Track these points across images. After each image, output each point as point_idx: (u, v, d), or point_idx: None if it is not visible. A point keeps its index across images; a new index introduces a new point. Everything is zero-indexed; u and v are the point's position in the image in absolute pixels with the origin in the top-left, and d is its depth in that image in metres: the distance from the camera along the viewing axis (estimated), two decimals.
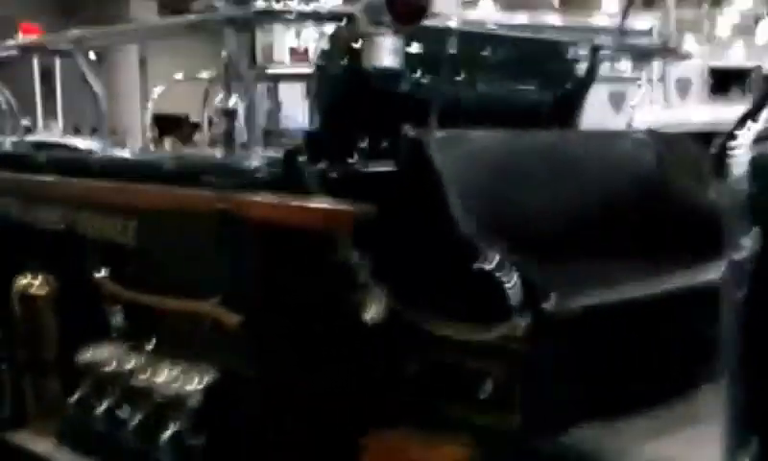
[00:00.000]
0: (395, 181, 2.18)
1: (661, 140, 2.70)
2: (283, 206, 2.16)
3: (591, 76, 2.90)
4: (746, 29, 17.16)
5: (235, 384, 2.40)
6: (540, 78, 2.82)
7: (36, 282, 2.97)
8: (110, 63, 18.47)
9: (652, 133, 2.74)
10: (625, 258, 2.23)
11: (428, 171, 2.11)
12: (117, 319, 2.82)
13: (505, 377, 1.95)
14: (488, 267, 1.97)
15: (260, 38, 12.85)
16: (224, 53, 2.35)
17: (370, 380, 2.15)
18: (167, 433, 2.45)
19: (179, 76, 7.72)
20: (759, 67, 10.13)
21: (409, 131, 2.22)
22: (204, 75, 6.52)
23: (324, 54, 2.43)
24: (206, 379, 2.46)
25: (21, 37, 5.28)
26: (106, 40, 4.12)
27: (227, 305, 2.37)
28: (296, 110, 8.33)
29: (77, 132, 13.05)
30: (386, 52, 2.10)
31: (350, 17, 2.14)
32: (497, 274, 1.95)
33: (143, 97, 15.80)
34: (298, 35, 12.57)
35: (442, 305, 2.04)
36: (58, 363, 2.98)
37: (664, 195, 2.55)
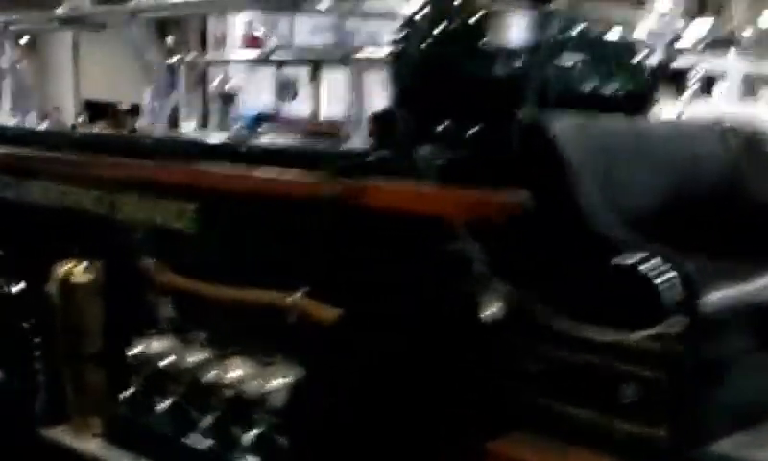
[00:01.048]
0: (510, 169, 2.05)
1: (742, 134, 2.63)
2: (414, 192, 2.00)
3: (667, 66, 2.82)
4: None
5: (329, 382, 2.25)
6: (621, 67, 2.72)
7: (79, 270, 2.76)
8: (43, 45, 17.86)
9: (734, 127, 2.67)
10: (723, 254, 2.15)
11: (554, 159, 2.00)
12: (174, 310, 2.64)
13: (654, 382, 1.85)
14: (632, 262, 1.87)
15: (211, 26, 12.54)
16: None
17: (488, 382, 2.03)
18: (251, 433, 2.30)
19: None
20: None
21: (527, 115, 2.11)
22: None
23: (414, 34, 2.29)
24: (293, 376, 2.31)
25: None
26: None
27: (318, 298, 2.22)
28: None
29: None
30: (512, 30, 1.97)
31: None
32: (647, 270, 1.84)
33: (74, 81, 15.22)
34: (250, 23, 12.30)
35: (574, 303, 1.93)
36: (103, 356, 2.78)
37: (743, 190, 2.48)
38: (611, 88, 2.62)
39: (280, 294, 2.28)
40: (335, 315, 2.18)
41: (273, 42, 11.32)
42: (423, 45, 2.23)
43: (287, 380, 2.31)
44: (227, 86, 4.89)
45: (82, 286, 2.76)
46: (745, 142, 2.58)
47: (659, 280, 1.82)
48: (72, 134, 3.14)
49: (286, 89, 5.38)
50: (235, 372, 2.40)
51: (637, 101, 2.71)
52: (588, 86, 2.51)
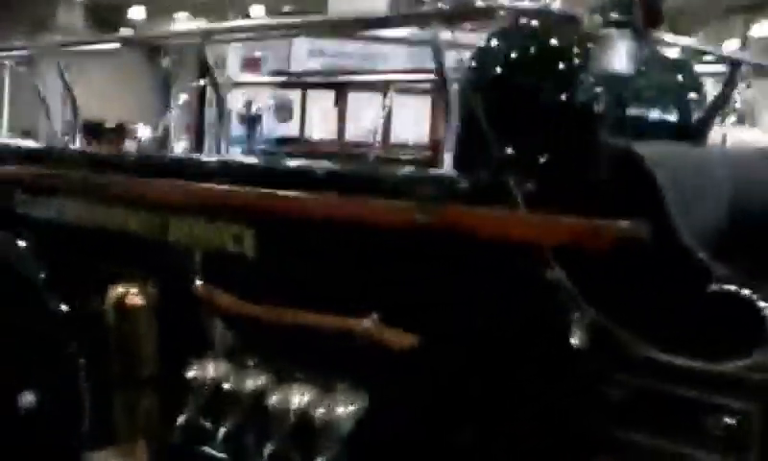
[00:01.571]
0: (599, 196, 2.03)
1: None
2: (518, 220, 1.97)
3: (729, 92, 2.81)
4: None
5: (402, 410, 2.21)
6: (682, 94, 2.72)
7: (134, 292, 2.71)
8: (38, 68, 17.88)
9: None
10: None
11: (649, 186, 1.98)
12: (232, 334, 2.60)
13: (746, 414, 1.81)
14: (734, 289, 1.84)
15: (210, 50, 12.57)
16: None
17: (574, 412, 2.00)
18: None
19: None
20: None
21: (615, 143, 2.09)
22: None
23: (493, 59, 2.27)
24: (361, 403, 2.26)
25: None
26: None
27: (392, 323, 2.19)
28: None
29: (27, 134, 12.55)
30: (617, 56, 1.96)
31: (571, 18, 2.00)
32: (751, 296, 1.81)
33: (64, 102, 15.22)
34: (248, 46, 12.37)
35: (664, 331, 1.90)
36: (157, 380, 2.73)
37: None
38: (675, 115, 2.62)
39: (351, 319, 2.25)
40: (412, 341, 2.14)
41: (270, 66, 11.37)
42: (503, 70, 2.22)
43: (356, 407, 2.26)
44: (253, 109, 4.87)
45: (137, 308, 2.70)
46: None
47: (764, 306, 1.79)
48: (125, 157, 3.10)
49: (283, 111, 5.37)
50: (300, 397, 2.35)
51: (699, 128, 2.71)
52: (656, 113, 2.50)
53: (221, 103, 3.11)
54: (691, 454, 1.87)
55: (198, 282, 2.63)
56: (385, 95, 4.61)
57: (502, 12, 2.09)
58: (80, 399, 2.84)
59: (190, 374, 2.57)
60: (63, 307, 2.94)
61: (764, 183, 2.47)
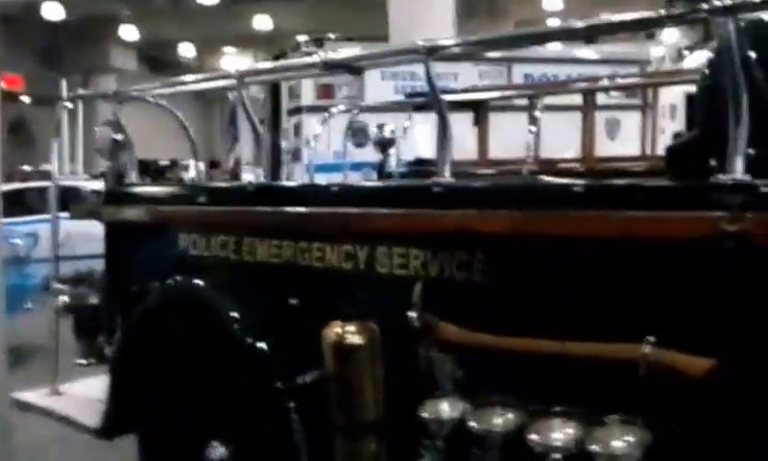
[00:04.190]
0: None
1: None
2: None
3: None
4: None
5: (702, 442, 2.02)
6: None
7: (353, 330, 2.55)
8: (92, 109, 18.16)
9: None
10: None
11: None
12: (465, 369, 2.43)
13: None
14: None
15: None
16: None
17: None
18: None
19: None
20: None
21: None
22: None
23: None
24: (646, 439, 2.07)
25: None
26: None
27: (678, 348, 2.00)
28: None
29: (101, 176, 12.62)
30: None
31: None
32: None
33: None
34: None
35: None
36: (384, 424, 2.56)
37: None
38: None
39: (625, 345, 2.07)
40: (704, 367, 1.95)
41: (344, 92, 11.26)
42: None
43: (634, 441, 2.08)
44: (385, 133, 4.72)
45: (358, 348, 2.54)
46: None
47: None
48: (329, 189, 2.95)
49: (359, 135, 5.23)
50: (566, 433, 2.17)
51: None
52: None
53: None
54: None
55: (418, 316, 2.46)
56: (532, 109, 4.44)
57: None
58: (295, 449, 2.67)
59: (425, 415, 2.39)
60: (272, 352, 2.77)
61: None
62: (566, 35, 2.64)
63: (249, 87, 3.24)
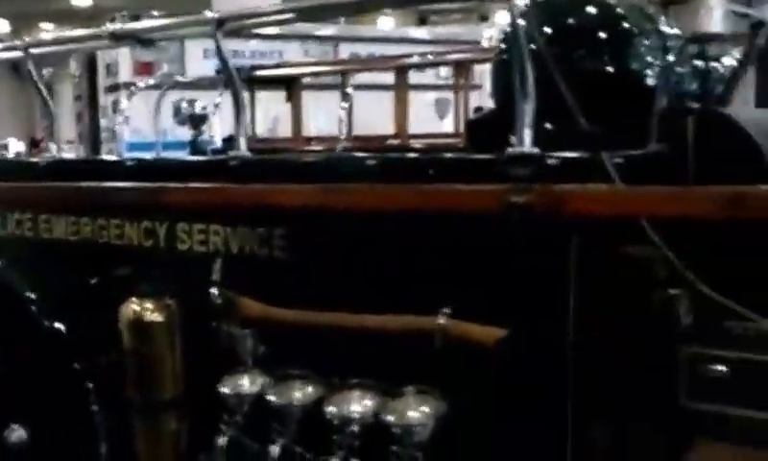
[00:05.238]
0: (687, 164, 1.95)
1: None
2: (635, 196, 1.85)
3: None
4: None
5: (484, 412, 2.08)
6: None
7: (151, 307, 2.49)
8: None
9: None
10: None
11: (749, 151, 1.91)
12: (267, 345, 2.42)
13: None
14: None
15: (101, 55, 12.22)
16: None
17: (679, 393, 1.91)
18: None
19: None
20: None
21: (696, 108, 2.02)
22: None
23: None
24: (435, 407, 2.12)
25: None
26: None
27: (472, 319, 2.06)
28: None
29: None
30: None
31: None
32: None
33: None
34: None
35: None
36: (183, 402, 2.51)
37: None
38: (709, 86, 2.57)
39: (422, 317, 2.11)
40: (497, 336, 2.02)
41: (164, 69, 11.03)
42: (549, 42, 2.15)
43: (427, 412, 2.12)
44: (196, 109, 4.61)
45: (154, 325, 2.48)
46: None
47: None
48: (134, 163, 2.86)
49: (182, 114, 5.15)
50: (363, 405, 2.19)
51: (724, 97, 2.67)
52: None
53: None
54: None
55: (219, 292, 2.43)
56: (344, 87, 4.46)
57: None
58: (93, 428, 2.59)
59: (225, 391, 2.37)
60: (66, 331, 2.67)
61: None
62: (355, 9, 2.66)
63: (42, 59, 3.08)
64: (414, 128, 5.36)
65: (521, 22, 2.04)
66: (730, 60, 2.69)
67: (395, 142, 5.02)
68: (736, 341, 1.86)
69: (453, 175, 2.10)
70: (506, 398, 2.04)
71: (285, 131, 6.38)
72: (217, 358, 2.44)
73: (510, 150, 1.99)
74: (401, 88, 5.28)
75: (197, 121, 4.71)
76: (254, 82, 5.51)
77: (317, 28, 11.28)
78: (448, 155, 2.39)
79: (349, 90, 4.37)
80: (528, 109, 1.96)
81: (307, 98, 5.81)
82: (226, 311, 2.43)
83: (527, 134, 1.96)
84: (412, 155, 2.47)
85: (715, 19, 2.11)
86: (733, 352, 1.87)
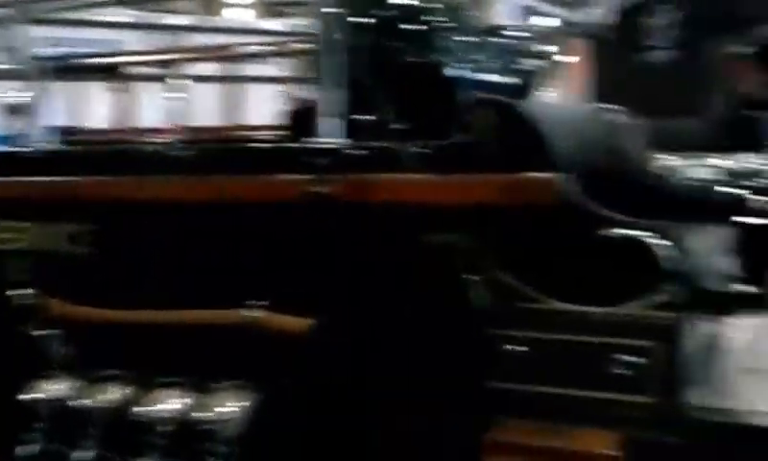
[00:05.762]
0: (485, 153, 2.01)
1: None
2: (439, 183, 1.88)
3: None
4: None
5: (297, 402, 2.08)
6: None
7: None
8: None
9: None
10: None
11: (537, 140, 1.97)
12: (74, 346, 2.34)
13: (657, 355, 1.85)
14: (627, 233, 1.88)
15: None
16: None
17: (481, 374, 1.97)
18: None
19: None
20: None
21: (491, 100, 2.08)
22: None
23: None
24: (246, 400, 2.11)
25: None
26: None
27: (281, 310, 2.05)
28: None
29: None
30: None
31: None
32: (644, 238, 1.86)
33: None
34: None
35: (564, 282, 1.92)
36: None
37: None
38: (505, 77, 2.65)
39: (233, 310, 2.09)
40: (305, 326, 2.02)
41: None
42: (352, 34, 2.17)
43: (239, 406, 2.11)
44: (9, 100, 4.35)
45: None
46: None
47: (656, 248, 1.85)
48: None
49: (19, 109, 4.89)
50: (170, 404, 2.16)
51: (524, 89, 2.77)
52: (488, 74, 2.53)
53: None
54: (599, 397, 1.90)
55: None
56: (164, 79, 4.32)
57: None
58: None
59: (28, 396, 2.28)
60: None
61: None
62: None
63: None
64: (255, 120, 5.25)
65: (329, 12, 2.04)
66: (536, 53, 2.82)
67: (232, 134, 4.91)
68: (530, 322, 1.93)
69: (264, 165, 2.08)
70: (317, 387, 2.05)
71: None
72: (22, 362, 2.34)
73: (314, 140, 2.00)
74: (233, 79, 5.23)
75: (17, 112, 4.45)
76: (74, 70, 5.27)
77: (160, 17, 10.95)
78: (257, 145, 2.37)
79: (178, 81, 4.24)
80: (334, 100, 1.97)
81: (152, 89, 5.58)
82: (29, 312, 2.34)
83: (333, 125, 1.97)
84: (222, 146, 2.42)
85: (508, 11, 2.17)
86: (529, 333, 1.94)
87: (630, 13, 3.13)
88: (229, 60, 5.46)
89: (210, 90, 5.82)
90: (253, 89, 5.64)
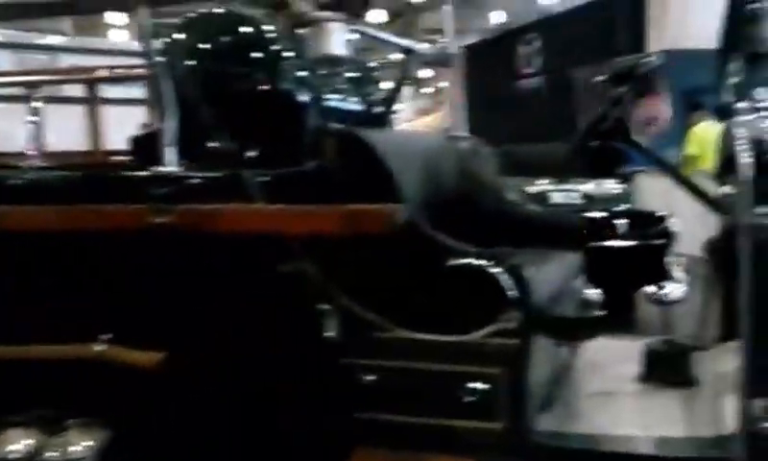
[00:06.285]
0: (328, 183, 2.01)
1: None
2: (276, 213, 1.86)
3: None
4: None
5: (150, 436, 2.04)
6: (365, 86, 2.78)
7: None
8: None
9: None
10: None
11: (379, 169, 1.98)
12: None
13: (503, 381, 1.88)
14: (470, 261, 1.90)
15: None
16: None
17: (335, 403, 1.96)
18: None
19: None
20: None
21: (336, 129, 2.08)
22: None
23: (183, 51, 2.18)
24: (97, 438, 2.05)
25: None
26: None
27: (131, 343, 2.01)
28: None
29: None
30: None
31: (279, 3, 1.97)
32: (486, 267, 1.88)
33: None
34: None
35: (412, 311, 1.93)
36: None
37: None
38: (361, 104, 2.67)
39: (77, 345, 2.04)
40: (155, 359, 1.98)
41: None
42: (195, 61, 2.16)
43: (91, 443, 2.05)
44: None
45: None
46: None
47: (499, 276, 1.87)
48: None
49: None
50: (19, 444, 2.08)
51: (381, 116, 2.79)
52: (345, 101, 2.54)
53: None
54: (449, 425, 1.91)
55: None
56: (32, 100, 4.23)
57: None
58: None
59: None
60: None
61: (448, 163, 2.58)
62: None
63: None
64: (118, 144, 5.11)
65: (168, 41, 2.03)
66: (389, 82, 2.84)
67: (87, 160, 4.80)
68: (381, 350, 1.94)
69: (107, 194, 2.04)
70: (169, 417, 2.01)
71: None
72: None
73: (151, 169, 1.97)
74: (95, 103, 5.11)
75: None
76: None
77: (35, 37, 10.66)
78: (100, 172, 2.32)
79: (38, 105, 4.16)
80: (171, 128, 1.95)
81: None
82: None
83: (170, 154, 1.94)
84: (64, 174, 2.35)
85: (339, 42, 2.18)
86: (380, 361, 1.94)
87: (501, 42, 3.20)
88: (89, 82, 5.34)
89: (78, 113, 5.67)
90: (123, 113, 5.52)
